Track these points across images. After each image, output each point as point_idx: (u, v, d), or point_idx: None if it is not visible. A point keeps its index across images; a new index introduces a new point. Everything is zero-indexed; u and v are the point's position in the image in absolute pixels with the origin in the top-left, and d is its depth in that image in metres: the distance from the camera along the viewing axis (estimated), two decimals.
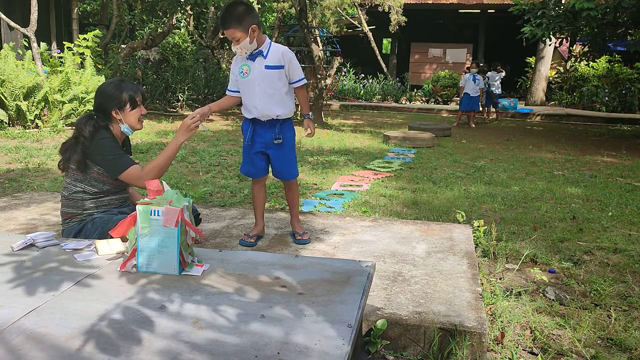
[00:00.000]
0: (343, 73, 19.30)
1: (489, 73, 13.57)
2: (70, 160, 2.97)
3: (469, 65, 13.78)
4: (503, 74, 13.90)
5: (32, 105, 8.88)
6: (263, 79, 3.19)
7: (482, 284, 3.02)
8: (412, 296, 2.61)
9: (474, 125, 12.60)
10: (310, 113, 3.51)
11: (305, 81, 3.33)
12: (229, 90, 3.37)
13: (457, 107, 14.28)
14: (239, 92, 3.32)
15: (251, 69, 3.20)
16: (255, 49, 3.17)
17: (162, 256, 2.26)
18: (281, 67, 3.21)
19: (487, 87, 13.38)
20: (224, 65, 17.40)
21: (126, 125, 3.01)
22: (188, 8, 14.70)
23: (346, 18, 18.99)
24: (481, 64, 14.41)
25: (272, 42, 3.26)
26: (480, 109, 13.71)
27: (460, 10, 20.59)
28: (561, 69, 18.26)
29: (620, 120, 14.73)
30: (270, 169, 3.47)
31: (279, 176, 3.46)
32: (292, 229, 3.57)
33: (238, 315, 1.91)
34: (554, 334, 2.62)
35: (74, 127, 3.07)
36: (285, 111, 3.29)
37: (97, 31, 10.63)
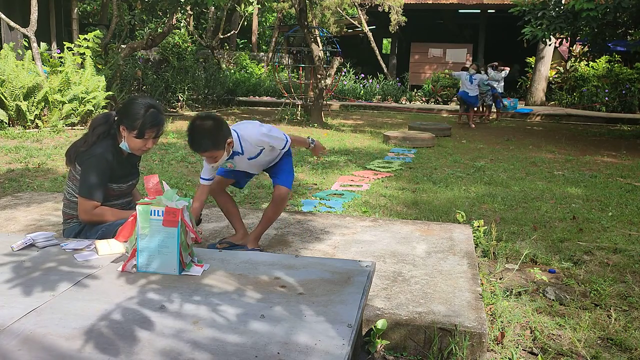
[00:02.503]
0: (343, 73, 19.28)
1: (491, 72, 13.56)
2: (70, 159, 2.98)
3: (468, 65, 13.81)
4: (504, 73, 13.87)
5: (32, 105, 8.88)
6: (251, 166, 3.21)
7: (482, 284, 3.02)
8: (412, 296, 2.61)
9: (473, 126, 12.60)
10: (311, 138, 3.40)
11: (290, 142, 3.15)
12: (203, 178, 3.13)
13: (457, 107, 14.30)
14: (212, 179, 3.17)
15: (235, 163, 3.15)
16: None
17: (162, 256, 2.26)
18: (262, 150, 3.08)
19: (491, 89, 13.42)
20: (224, 65, 17.39)
21: (126, 144, 2.91)
22: (188, 8, 14.72)
23: (346, 18, 18.98)
24: (483, 69, 14.41)
25: (239, 135, 3.00)
26: (483, 108, 13.70)
27: (460, 11, 20.60)
28: (561, 69, 18.25)
29: (620, 120, 14.73)
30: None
31: (278, 181, 3.22)
32: (247, 244, 3.21)
33: (238, 315, 1.91)
34: (554, 334, 2.62)
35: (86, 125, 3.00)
36: (277, 157, 3.25)
37: (97, 31, 10.62)
